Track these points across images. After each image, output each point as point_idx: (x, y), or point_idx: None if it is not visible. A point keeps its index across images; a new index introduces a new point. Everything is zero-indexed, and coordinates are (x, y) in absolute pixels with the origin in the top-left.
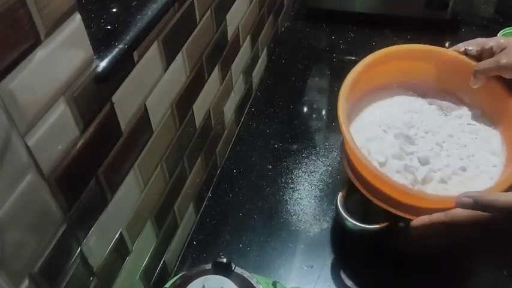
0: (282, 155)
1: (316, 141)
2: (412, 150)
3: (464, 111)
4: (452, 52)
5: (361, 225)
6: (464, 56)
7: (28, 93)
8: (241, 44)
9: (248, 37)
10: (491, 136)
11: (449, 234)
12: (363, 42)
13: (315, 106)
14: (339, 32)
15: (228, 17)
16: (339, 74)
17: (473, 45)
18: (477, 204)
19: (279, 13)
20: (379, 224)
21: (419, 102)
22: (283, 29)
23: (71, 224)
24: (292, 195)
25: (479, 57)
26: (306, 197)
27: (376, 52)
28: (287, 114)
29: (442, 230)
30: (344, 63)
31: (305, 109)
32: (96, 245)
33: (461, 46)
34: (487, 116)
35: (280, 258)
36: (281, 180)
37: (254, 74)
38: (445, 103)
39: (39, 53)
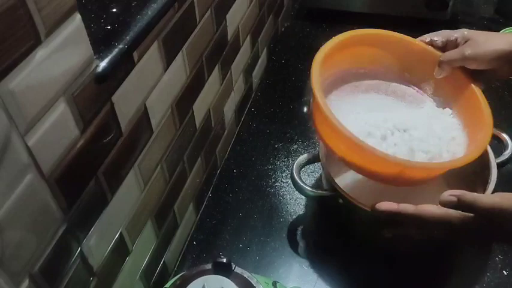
0: (282, 155)
1: (316, 141)
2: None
3: (427, 100)
4: (418, 42)
5: (316, 191)
6: (429, 46)
7: (28, 93)
8: (241, 44)
9: (248, 37)
10: (452, 124)
11: (417, 229)
12: None
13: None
14: (339, 32)
15: (228, 17)
16: None
17: (439, 36)
18: (460, 203)
19: (279, 13)
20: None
21: (383, 88)
22: (283, 29)
23: (71, 224)
24: (292, 195)
25: (444, 48)
26: (305, 197)
27: (345, 33)
28: (287, 114)
29: (409, 223)
30: None
31: (305, 109)
32: (96, 245)
33: (427, 37)
34: (448, 104)
35: (280, 258)
36: (281, 181)
37: (254, 74)
38: (408, 91)
39: (39, 53)
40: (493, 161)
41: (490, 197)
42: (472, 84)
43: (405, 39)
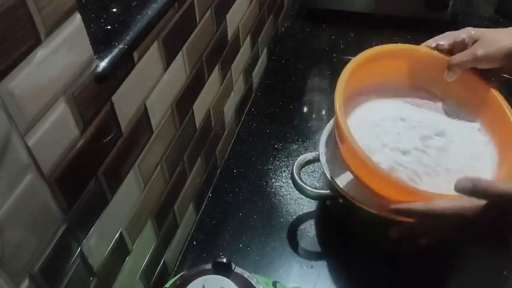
0: (282, 155)
1: (316, 141)
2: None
3: (439, 107)
4: (423, 48)
5: (316, 191)
6: (435, 51)
7: (28, 93)
8: (241, 44)
9: (248, 37)
10: (474, 131)
11: (429, 228)
12: (363, 42)
13: (315, 106)
14: (339, 32)
15: (228, 17)
16: (339, 74)
17: (444, 39)
18: (475, 188)
19: (279, 13)
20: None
21: (394, 105)
22: (283, 29)
23: (71, 224)
24: (292, 195)
25: (450, 50)
26: (306, 197)
27: (357, 57)
28: (287, 114)
29: (421, 222)
30: (344, 63)
31: (305, 109)
32: (96, 245)
33: (432, 42)
34: (463, 108)
35: (280, 258)
36: (281, 181)
37: (254, 74)
38: (419, 101)
39: (39, 53)
40: None
41: (505, 183)
42: (492, 90)
43: (408, 48)
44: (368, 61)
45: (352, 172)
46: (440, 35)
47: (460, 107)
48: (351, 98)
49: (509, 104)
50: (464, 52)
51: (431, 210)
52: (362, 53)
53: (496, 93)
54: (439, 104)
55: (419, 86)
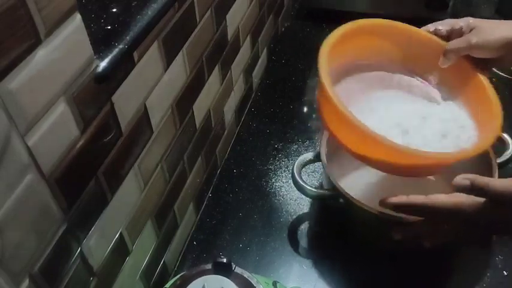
0: (282, 155)
1: (316, 141)
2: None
3: (432, 91)
4: (422, 31)
5: (317, 190)
6: (434, 36)
7: (28, 93)
8: (241, 44)
9: (248, 37)
10: (460, 115)
11: (430, 227)
12: None
13: (315, 106)
14: None
15: (228, 17)
16: None
17: (443, 25)
18: (473, 186)
19: (279, 13)
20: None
21: (387, 80)
22: (283, 29)
23: (71, 224)
24: (292, 195)
25: (448, 37)
26: (306, 197)
27: (349, 23)
28: (287, 114)
29: (422, 221)
30: None
31: (305, 109)
32: (96, 245)
33: (431, 26)
34: (454, 95)
35: (280, 258)
36: (281, 181)
37: (254, 74)
38: (412, 82)
39: (39, 53)
40: (494, 162)
41: (503, 181)
42: (478, 73)
43: (409, 28)
44: (359, 33)
45: (332, 133)
46: (439, 21)
47: (451, 93)
48: (337, 70)
49: (507, 99)
50: (460, 39)
51: (430, 203)
52: (359, 20)
53: (482, 77)
54: (430, 87)
55: (412, 68)
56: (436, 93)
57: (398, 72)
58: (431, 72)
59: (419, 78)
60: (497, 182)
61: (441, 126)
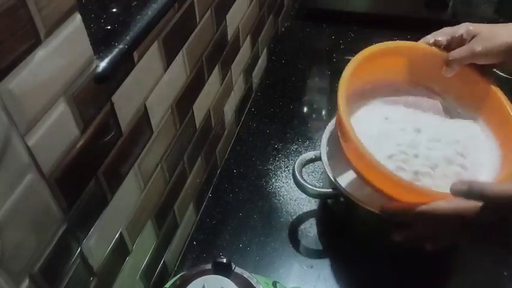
0: (282, 155)
1: (316, 141)
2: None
3: (438, 102)
4: (421, 45)
5: (317, 189)
6: (434, 47)
7: (28, 93)
8: (241, 44)
9: (248, 37)
10: (476, 130)
11: (431, 230)
12: (363, 42)
13: (315, 106)
14: (339, 32)
15: (228, 17)
16: (338, 74)
17: (442, 35)
18: (470, 190)
19: (279, 13)
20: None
21: (394, 106)
22: (283, 29)
23: (71, 224)
24: (292, 195)
25: (448, 46)
26: (306, 197)
27: (357, 55)
28: (287, 114)
29: (421, 222)
30: (344, 63)
31: (305, 109)
32: (96, 245)
33: (430, 38)
34: (463, 104)
35: (280, 258)
36: (281, 181)
37: (254, 74)
38: (419, 98)
39: (39, 53)
40: None
41: (499, 185)
42: (492, 85)
43: (407, 45)
44: (368, 59)
45: (355, 170)
46: (438, 31)
47: (460, 103)
48: (351, 98)
49: (510, 101)
50: (463, 48)
51: (431, 210)
52: (362, 51)
53: (495, 89)
54: (438, 101)
55: (418, 83)
56: (453, 110)
57: (410, 92)
58: (436, 82)
59: (423, 91)
60: (494, 186)
61: (459, 147)
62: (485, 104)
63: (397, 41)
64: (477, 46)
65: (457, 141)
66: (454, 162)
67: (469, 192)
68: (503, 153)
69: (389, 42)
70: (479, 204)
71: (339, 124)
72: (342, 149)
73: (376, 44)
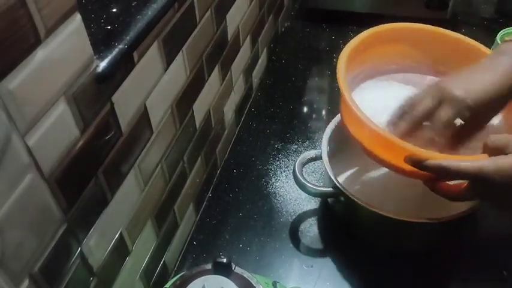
0: (282, 155)
1: (316, 141)
2: None
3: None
4: (450, 32)
5: (318, 188)
6: (462, 36)
7: (28, 93)
8: (241, 44)
9: (248, 37)
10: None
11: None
12: None
13: (315, 106)
14: (339, 32)
15: (228, 17)
16: None
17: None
18: (509, 144)
19: (279, 13)
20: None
21: (417, 82)
22: (283, 29)
23: (71, 224)
24: (292, 195)
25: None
26: (306, 197)
27: (374, 28)
28: (287, 114)
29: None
30: None
31: (305, 109)
32: (96, 245)
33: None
34: None
35: (280, 258)
36: (281, 181)
37: (254, 74)
38: (420, 76)
39: (39, 53)
40: None
41: (472, 161)
42: None
43: (436, 30)
44: (383, 38)
45: (354, 138)
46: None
47: None
48: (353, 79)
49: None
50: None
51: (456, 167)
52: (369, 29)
53: None
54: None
55: (422, 63)
56: None
57: (430, 74)
58: (444, 65)
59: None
60: (464, 162)
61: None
62: None
63: (419, 24)
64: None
65: None
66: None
67: (507, 145)
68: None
69: (407, 23)
70: (507, 165)
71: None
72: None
73: (398, 23)
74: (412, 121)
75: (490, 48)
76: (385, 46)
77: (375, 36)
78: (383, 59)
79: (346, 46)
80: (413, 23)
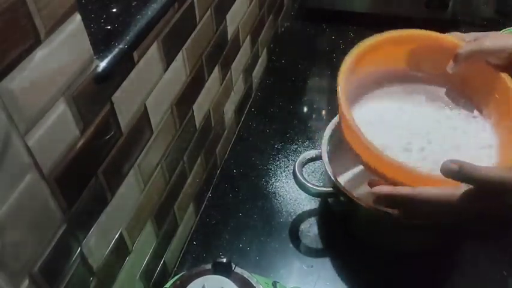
0: (282, 155)
1: (316, 141)
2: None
3: (442, 94)
4: (432, 33)
5: (318, 188)
6: (456, 39)
7: (28, 93)
8: (241, 44)
9: (248, 37)
10: (479, 124)
11: (415, 212)
12: None
13: (315, 106)
14: (339, 32)
15: (228, 17)
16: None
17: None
18: (461, 171)
19: (279, 13)
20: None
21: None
22: (283, 29)
23: (71, 224)
24: (292, 195)
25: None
26: (306, 197)
27: (365, 41)
28: (287, 114)
29: (407, 205)
30: None
31: (305, 109)
32: (96, 245)
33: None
34: (467, 94)
35: (280, 258)
36: (281, 181)
37: (254, 74)
38: (429, 87)
39: (39, 53)
40: None
41: (490, 168)
42: (502, 74)
43: (416, 34)
44: (370, 49)
45: (356, 154)
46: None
47: (464, 92)
48: (353, 90)
49: None
50: (472, 42)
51: (418, 195)
52: (365, 39)
53: (505, 76)
54: (443, 91)
55: (423, 71)
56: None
57: (408, 77)
58: (442, 73)
59: (429, 80)
60: (485, 169)
61: (460, 139)
62: (492, 94)
63: (402, 30)
64: (486, 42)
65: (455, 128)
66: (448, 153)
67: (459, 173)
68: (501, 143)
69: (392, 31)
70: (466, 189)
71: (340, 113)
72: (341, 148)
73: (381, 33)
74: None
75: None
76: (374, 53)
77: (375, 45)
78: (384, 66)
79: (343, 60)
80: (416, 30)
